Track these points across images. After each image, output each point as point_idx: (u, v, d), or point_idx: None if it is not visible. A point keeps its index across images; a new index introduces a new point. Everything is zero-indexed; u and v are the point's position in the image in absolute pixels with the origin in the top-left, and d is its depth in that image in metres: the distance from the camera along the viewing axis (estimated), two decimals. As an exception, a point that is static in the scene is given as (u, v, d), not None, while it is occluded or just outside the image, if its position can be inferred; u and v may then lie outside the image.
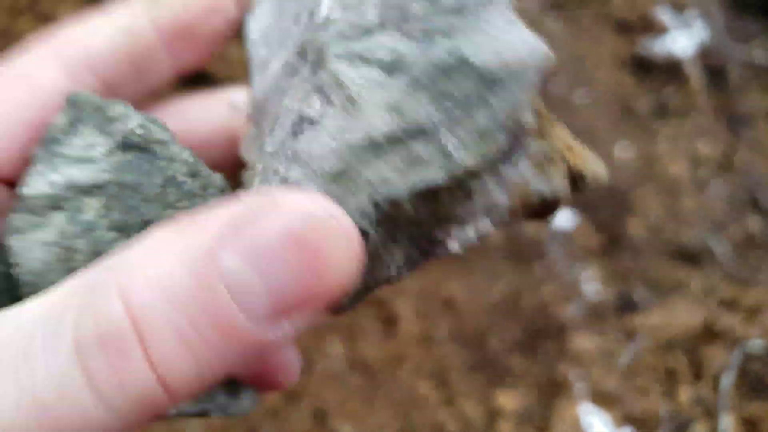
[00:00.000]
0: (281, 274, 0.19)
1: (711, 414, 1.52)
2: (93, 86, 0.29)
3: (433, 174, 0.22)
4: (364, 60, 0.23)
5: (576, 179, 0.26)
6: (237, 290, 0.19)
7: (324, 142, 0.23)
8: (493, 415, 1.47)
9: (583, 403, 1.50)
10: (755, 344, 1.56)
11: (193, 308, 0.19)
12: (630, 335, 1.59)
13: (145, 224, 0.33)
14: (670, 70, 1.77)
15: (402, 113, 0.22)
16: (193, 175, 0.34)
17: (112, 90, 0.30)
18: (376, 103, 0.22)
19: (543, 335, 1.54)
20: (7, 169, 0.28)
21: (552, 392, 1.50)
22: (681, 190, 1.70)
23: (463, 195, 0.24)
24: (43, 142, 0.33)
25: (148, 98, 0.33)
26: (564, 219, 1.63)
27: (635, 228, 1.66)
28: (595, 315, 1.59)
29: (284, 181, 0.25)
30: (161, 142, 0.33)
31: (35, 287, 0.31)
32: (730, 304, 1.63)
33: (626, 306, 1.61)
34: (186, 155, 0.33)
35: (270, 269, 0.19)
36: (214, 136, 0.34)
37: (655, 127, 1.75)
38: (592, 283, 1.60)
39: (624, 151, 1.73)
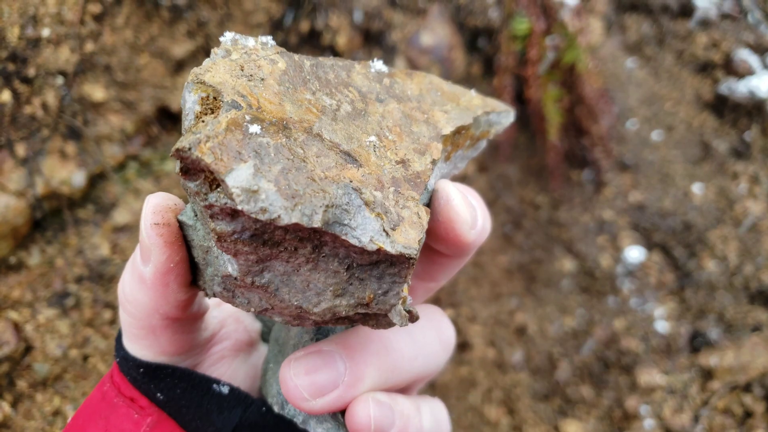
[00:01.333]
0: (140, 236, 0.40)
1: (788, 460, 1.43)
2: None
3: None
4: None
5: None
6: (139, 243, 0.40)
7: None
8: (561, 444, 1.44)
9: (652, 439, 1.45)
10: (838, 391, 1.46)
11: (132, 257, 0.42)
12: (703, 374, 1.52)
13: None
14: (754, 110, 1.69)
15: None
16: None
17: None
18: None
19: (613, 368, 1.50)
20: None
21: (620, 425, 1.46)
22: (761, 230, 1.61)
23: None
24: None
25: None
26: (636, 254, 1.59)
27: (711, 266, 1.59)
28: (668, 351, 1.53)
29: None
30: None
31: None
32: (811, 349, 1.53)
33: (700, 344, 1.54)
34: None
35: (140, 233, 0.40)
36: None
37: (735, 167, 1.68)
38: (664, 319, 1.55)
39: (702, 189, 1.66)
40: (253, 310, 0.38)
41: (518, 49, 1.40)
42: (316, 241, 0.35)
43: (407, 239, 0.36)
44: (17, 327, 1.21)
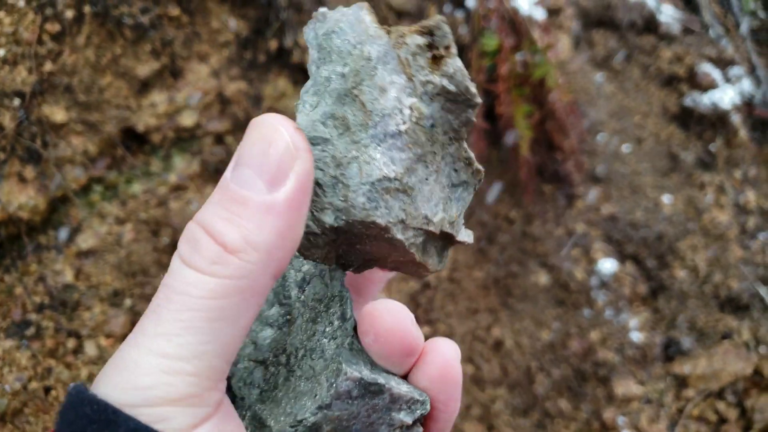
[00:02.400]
0: (257, 163, 0.33)
1: (760, 465, 1.43)
2: None
3: None
4: None
5: None
6: (240, 182, 0.33)
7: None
8: (541, 460, 1.41)
9: (630, 450, 1.43)
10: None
11: (225, 204, 0.33)
12: (678, 382, 1.52)
13: None
14: (718, 122, 1.70)
15: None
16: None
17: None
18: None
19: (590, 380, 1.48)
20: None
21: (599, 439, 1.43)
22: (729, 239, 1.62)
23: None
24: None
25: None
26: (610, 266, 1.58)
27: (682, 276, 1.59)
28: (642, 361, 1.52)
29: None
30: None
31: None
32: (781, 355, 1.54)
33: (673, 353, 1.54)
34: None
35: (251, 163, 0.33)
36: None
37: (702, 177, 1.68)
38: (639, 329, 1.54)
39: (671, 200, 1.67)
40: (386, 222, 0.38)
41: (488, 65, 1.38)
42: (449, 148, 0.41)
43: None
44: (-27, 361, 1.14)
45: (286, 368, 0.42)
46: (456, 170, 0.42)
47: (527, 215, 1.56)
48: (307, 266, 0.45)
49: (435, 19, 0.38)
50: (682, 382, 1.54)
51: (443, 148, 0.41)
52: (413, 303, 1.46)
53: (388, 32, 0.38)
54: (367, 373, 0.39)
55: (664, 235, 1.63)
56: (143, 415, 0.31)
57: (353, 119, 0.37)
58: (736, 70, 1.73)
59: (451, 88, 0.38)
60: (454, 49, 0.38)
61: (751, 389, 1.53)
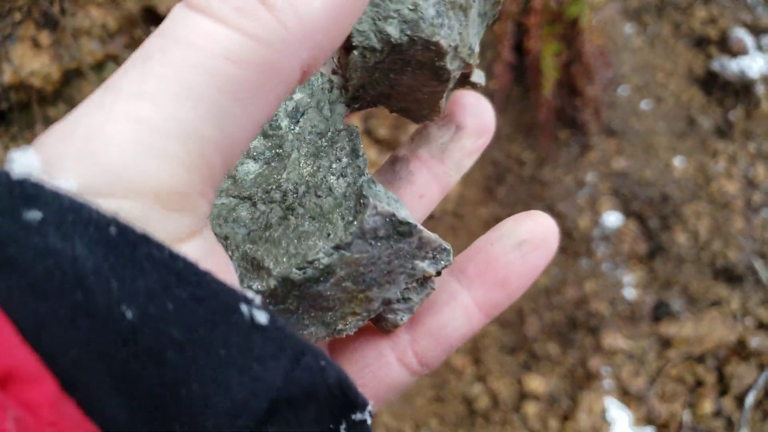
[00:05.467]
0: None
1: (730, 429, 1.47)
2: None
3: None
4: None
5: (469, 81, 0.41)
6: None
7: None
8: (522, 397, 1.44)
9: (609, 399, 1.46)
10: (785, 368, 1.51)
11: None
12: (662, 342, 1.54)
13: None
14: (741, 91, 1.70)
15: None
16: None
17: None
18: None
19: (580, 328, 1.50)
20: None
21: (581, 384, 1.46)
22: (733, 210, 1.63)
23: (440, 59, 0.35)
24: None
25: None
26: (614, 220, 1.59)
27: (682, 240, 1.60)
28: (632, 317, 1.54)
29: None
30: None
31: None
32: (765, 327, 1.57)
33: (663, 313, 1.56)
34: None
35: None
36: None
37: (716, 144, 1.69)
38: (633, 286, 1.56)
39: (682, 163, 1.67)
40: (446, 45, 0.35)
41: (523, -5, 1.35)
42: None
43: None
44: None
45: (282, 206, 0.37)
46: None
47: (539, 159, 1.55)
48: (299, 95, 0.39)
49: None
50: (666, 342, 1.56)
51: None
52: (416, 231, 1.45)
53: None
54: (397, 210, 0.35)
55: (671, 197, 1.63)
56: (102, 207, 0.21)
57: None
58: None
59: None
60: None
61: (732, 357, 1.56)
